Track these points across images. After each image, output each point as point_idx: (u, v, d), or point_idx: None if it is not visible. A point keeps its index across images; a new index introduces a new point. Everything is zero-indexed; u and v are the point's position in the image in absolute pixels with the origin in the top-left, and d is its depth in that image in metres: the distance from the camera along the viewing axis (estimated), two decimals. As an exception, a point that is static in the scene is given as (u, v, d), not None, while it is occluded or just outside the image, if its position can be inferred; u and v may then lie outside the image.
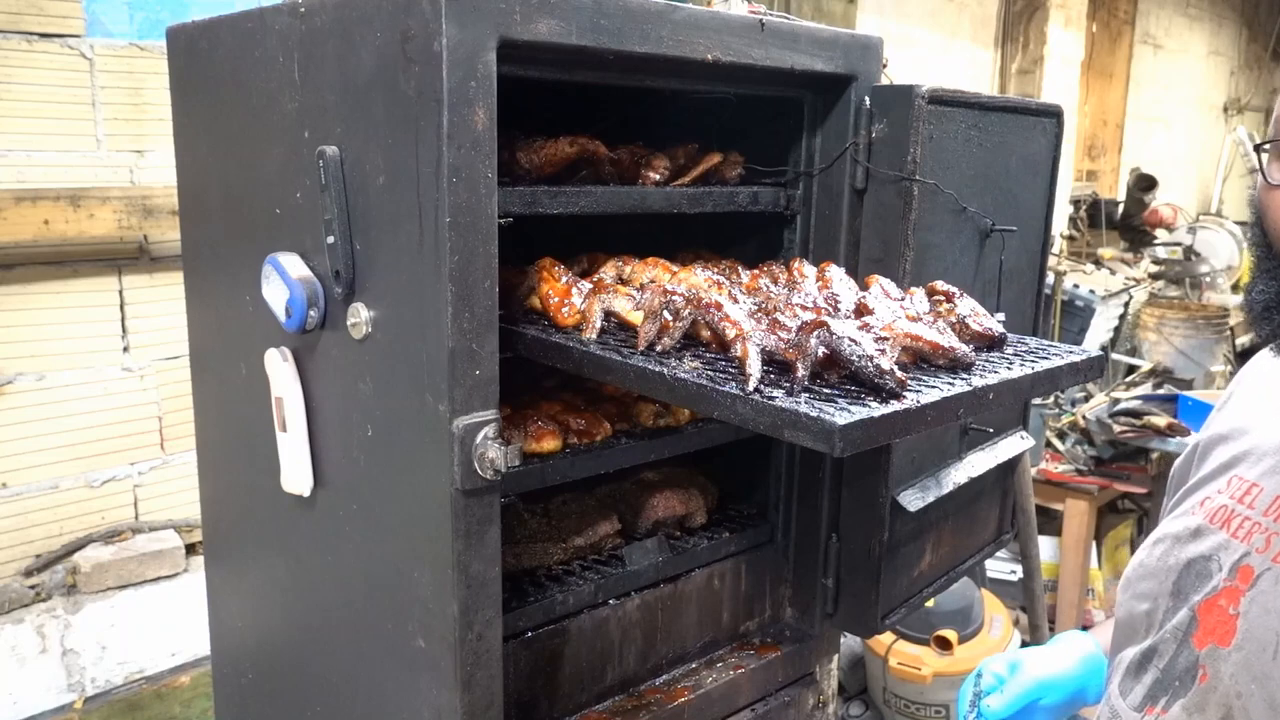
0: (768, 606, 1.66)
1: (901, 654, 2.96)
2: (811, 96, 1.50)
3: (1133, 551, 3.91)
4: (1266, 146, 1.04)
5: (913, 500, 1.52)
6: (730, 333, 1.08)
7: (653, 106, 1.66)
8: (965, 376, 1.09)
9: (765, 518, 1.66)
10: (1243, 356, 5.18)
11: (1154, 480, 3.53)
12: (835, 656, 1.75)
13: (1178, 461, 1.24)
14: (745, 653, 1.60)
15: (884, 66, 1.50)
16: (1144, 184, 6.93)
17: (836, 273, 1.35)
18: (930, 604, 2.84)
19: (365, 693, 1.27)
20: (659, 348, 1.13)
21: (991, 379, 1.09)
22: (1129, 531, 3.94)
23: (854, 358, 1.01)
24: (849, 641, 3.22)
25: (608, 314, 1.24)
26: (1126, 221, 6.90)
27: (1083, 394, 3.99)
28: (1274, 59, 9.90)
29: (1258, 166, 1.06)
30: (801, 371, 1.01)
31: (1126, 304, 5.14)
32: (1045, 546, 3.51)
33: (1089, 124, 7.33)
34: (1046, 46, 6.00)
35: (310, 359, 1.26)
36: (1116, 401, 3.61)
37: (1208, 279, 5.66)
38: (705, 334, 1.15)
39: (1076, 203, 6.65)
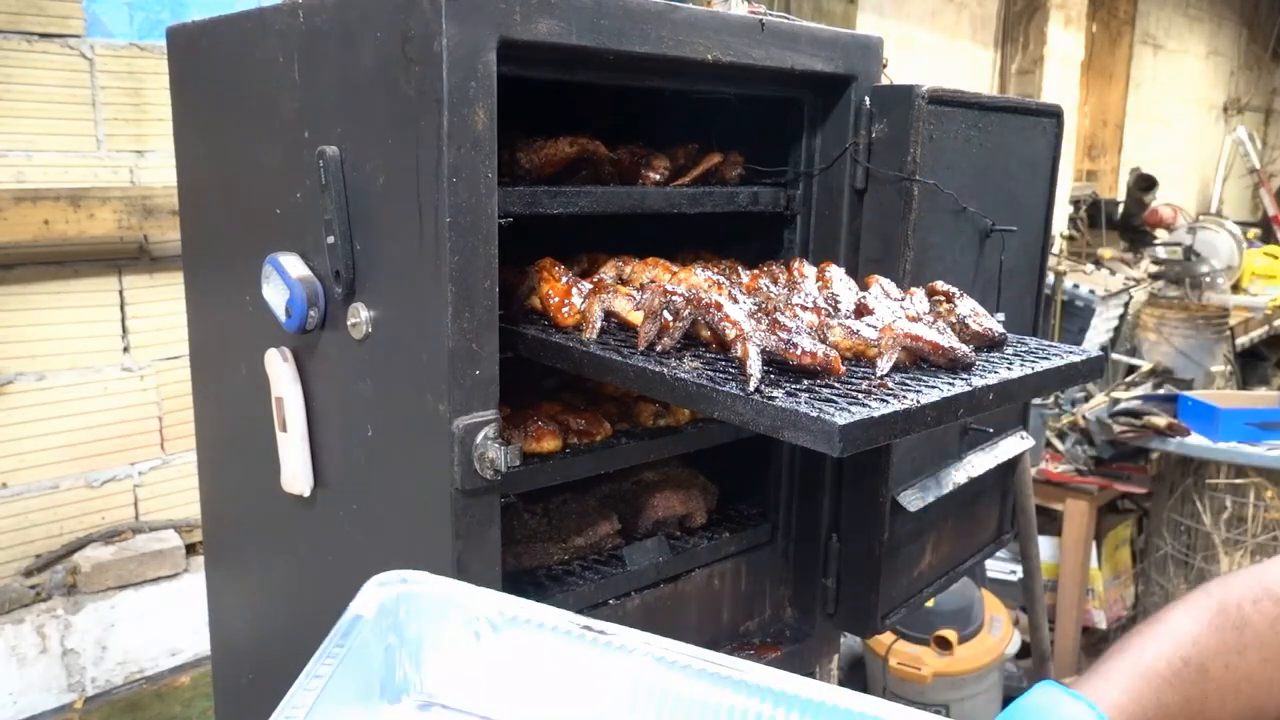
0: (768, 606, 1.66)
1: (901, 654, 2.97)
2: (811, 97, 1.50)
3: (1133, 551, 3.92)
4: None
5: (913, 500, 1.52)
6: (730, 333, 1.08)
7: (653, 106, 1.66)
8: (965, 376, 1.09)
9: (765, 518, 1.66)
10: (1242, 357, 5.18)
11: (1154, 480, 3.53)
12: (835, 656, 1.75)
13: None
14: (745, 653, 1.60)
15: (884, 66, 1.50)
16: (1144, 184, 6.92)
17: (836, 273, 1.35)
18: (930, 604, 2.84)
19: (365, 693, 1.27)
20: (659, 348, 1.13)
21: (991, 379, 1.09)
22: (1129, 531, 3.94)
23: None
24: (849, 641, 3.22)
25: (608, 314, 1.24)
26: (1126, 221, 6.90)
27: (1083, 394, 3.99)
28: (1274, 59, 9.91)
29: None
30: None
31: (1126, 304, 5.14)
32: (1045, 546, 3.51)
33: (1089, 124, 7.33)
34: (1046, 46, 6.00)
35: (310, 359, 1.26)
36: (1116, 401, 3.61)
37: (1208, 279, 5.65)
38: (705, 334, 1.15)
39: (1076, 203, 6.65)
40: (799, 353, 1.04)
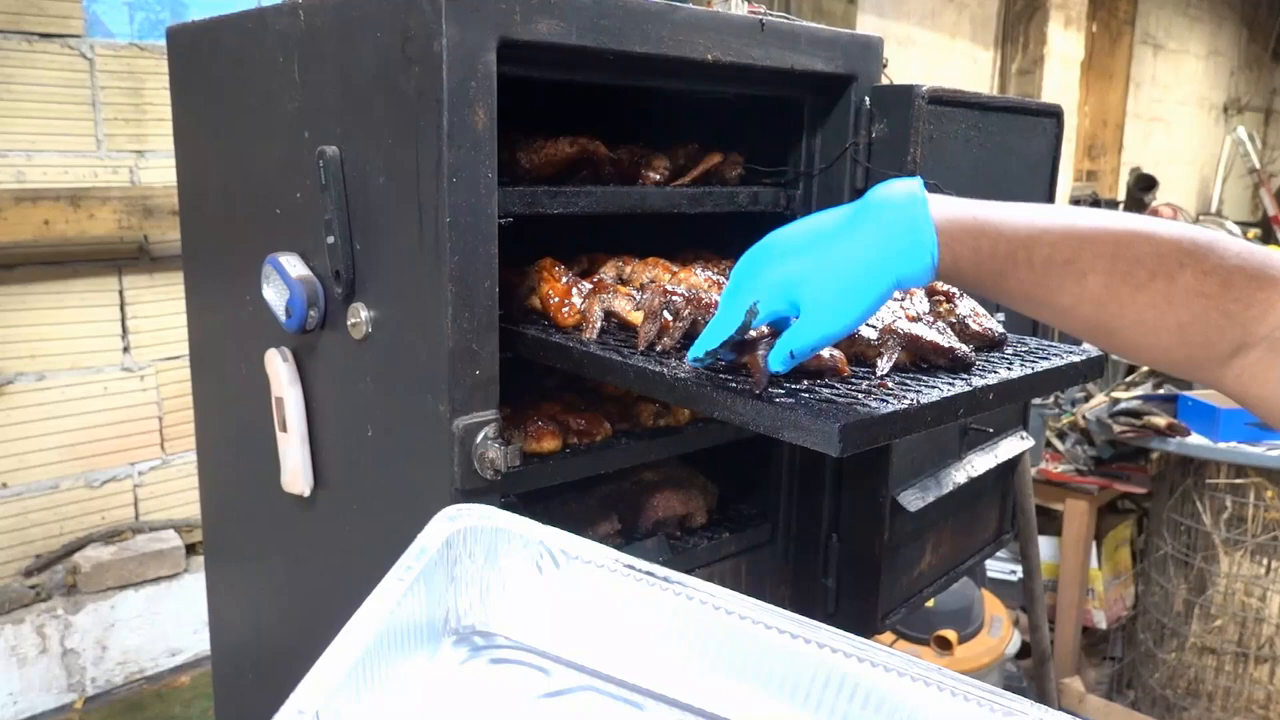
0: (768, 606, 1.66)
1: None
2: (811, 97, 1.50)
3: (1133, 551, 3.91)
4: None
5: (913, 500, 1.52)
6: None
7: (653, 106, 1.66)
8: (965, 376, 1.09)
9: (765, 518, 1.66)
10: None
11: (1154, 480, 3.53)
12: (835, 656, 1.74)
13: None
14: (745, 653, 1.60)
15: (884, 66, 1.50)
16: (1144, 184, 6.93)
17: (836, 273, 1.34)
18: (930, 604, 2.84)
19: (365, 693, 1.27)
20: (659, 348, 1.13)
21: (991, 379, 1.09)
22: (1129, 531, 3.94)
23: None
24: (849, 641, 3.22)
25: (608, 314, 1.24)
26: (1126, 221, 6.89)
27: (1083, 394, 3.99)
28: (1274, 59, 9.90)
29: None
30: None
31: (1126, 304, 5.13)
32: (1045, 546, 3.51)
33: (1089, 124, 7.33)
34: (1046, 46, 6.00)
35: (310, 359, 1.26)
36: (1116, 401, 3.61)
37: (1208, 279, 5.64)
38: (705, 334, 1.15)
39: (1076, 203, 6.66)
40: None
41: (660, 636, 0.85)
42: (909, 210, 0.86)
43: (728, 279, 1.33)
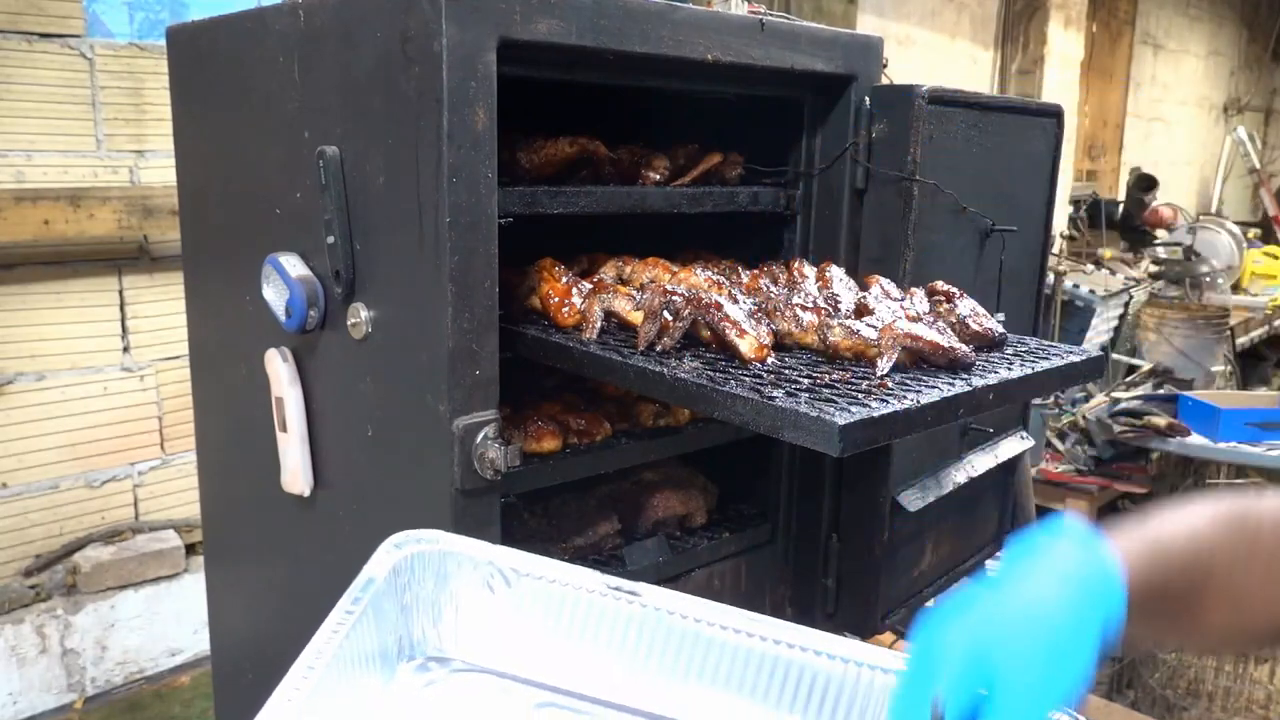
0: (768, 606, 1.66)
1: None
2: (811, 97, 1.50)
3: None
4: None
5: (913, 500, 1.52)
6: (730, 333, 1.08)
7: (653, 106, 1.66)
8: (965, 376, 1.09)
9: (765, 518, 1.66)
10: (1243, 357, 5.18)
11: (1154, 480, 3.53)
12: (835, 656, 1.74)
13: None
14: (745, 653, 1.60)
15: (884, 66, 1.50)
16: (1144, 184, 6.92)
17: (836, 273, 1.35)
18: (930, 604, 2.83)
19: (365, 693, 1.26)
20: (659, 348, 1.13)
21: (991, 379, 1.09)
22: (1129, 532, 3.94)
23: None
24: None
25: (608, 314, 1.24)
26: (1126, 221, 6.89)
27: (1083, 394, 3.99)
28: (1274, 59, 9.90)
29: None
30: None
31: (1126, 304, 5.14)
32: (1045, 546, 3.50)
33: (1089, 124, 7.33)
34: (1046, 46, 6.00)
35: (310, 359, 1.26)
36: (1116, 401, 3.61)
37: (1208, 279, 5.65)
38: (705, 334, 1.15)
39: (1076, 203, 6.65)
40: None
41: (618, 646, 0.85)
42: (1087, 546, 0.76)
43: (728, 279, 1.33)
